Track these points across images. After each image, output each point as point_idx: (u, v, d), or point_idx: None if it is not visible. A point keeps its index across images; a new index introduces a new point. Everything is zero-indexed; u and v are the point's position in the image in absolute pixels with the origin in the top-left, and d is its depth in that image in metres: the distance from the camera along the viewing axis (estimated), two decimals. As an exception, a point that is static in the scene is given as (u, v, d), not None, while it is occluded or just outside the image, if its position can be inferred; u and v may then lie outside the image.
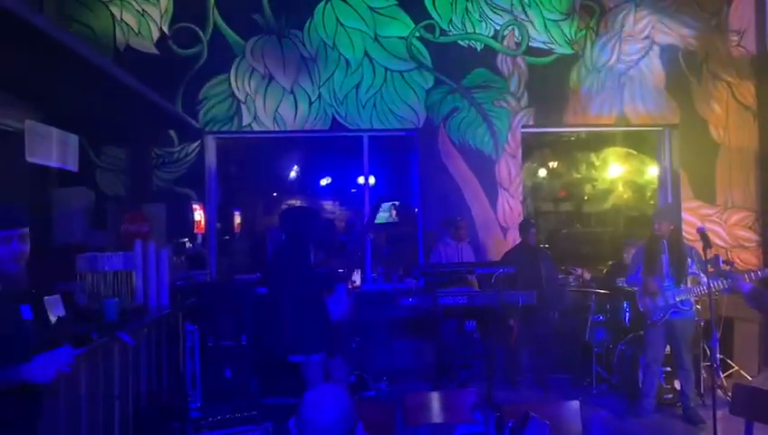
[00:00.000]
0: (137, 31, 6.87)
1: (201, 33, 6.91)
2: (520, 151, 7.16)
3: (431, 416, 3.23)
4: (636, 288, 5.57)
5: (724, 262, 5.59)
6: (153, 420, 4.81)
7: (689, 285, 5.28)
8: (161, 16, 6.89)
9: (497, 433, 2.23)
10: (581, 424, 3.13)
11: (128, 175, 6.80)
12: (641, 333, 5.65)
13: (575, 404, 3.17)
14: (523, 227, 6.46)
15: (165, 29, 6.88)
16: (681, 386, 5.41)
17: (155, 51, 6.87)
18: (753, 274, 4.38)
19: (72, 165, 5.38)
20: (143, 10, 6.87)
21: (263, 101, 6.96)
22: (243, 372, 6.03)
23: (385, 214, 9.34)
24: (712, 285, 4.76)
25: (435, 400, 3.27)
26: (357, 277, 6.93)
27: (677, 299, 5.25)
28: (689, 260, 5.30)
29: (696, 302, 5.60)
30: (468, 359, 6.07)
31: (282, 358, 4.59)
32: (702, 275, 5.21)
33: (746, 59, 7.20)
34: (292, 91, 6.98)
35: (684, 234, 7.03)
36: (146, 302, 5.40)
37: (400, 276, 7.11)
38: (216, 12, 6.92)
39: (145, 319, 5.11)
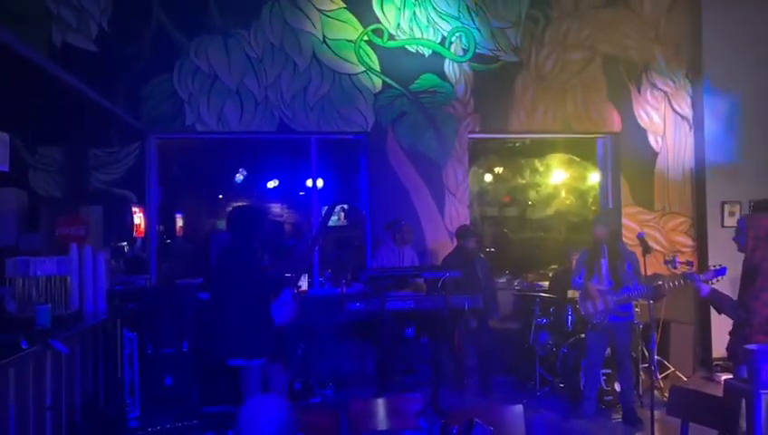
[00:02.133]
0: (75, 27, 6.61)
1: (143, 30, 6.70)
2: (466, 157, 7.23)
3: (376, 422, 3.19)
4: (579, 292, 5.69)
5: (682, 263, 5.72)
6: (88, 431, 4.62)
7: (627, 290, 5.40)
8: (101, 12, 6.66)
9: (442, 440, 2.21)
10: (525, 427, 3.16)
11: (63, 175, 6.53)
12: (583, 336, 5.77)
13: (519, 408, 3.19)
14: (462, 233, 6.48)
15: (105, 26, 6.65)
16: (621, 388, 5.54)
17: (94, 48, 6.63)
18: (705, 274, 4.53)
19: (3, 164, 5.12)
20: (81, 5, 6.62)
21: (207, 102, 6.81)
22: (184, 380, 5.85)
23: (334, 217, 9.27)
24: (668, 285, 4.90)
25: (380, 406, 3.24)
26: (304, 282, 6.85)
27: (616, 303, 5.37)
28: (627, 265, 5.44)
29: (636, 305, 5.76)
30: (413, 364, 6.07)
31: (222, 362, 4.48)
32: (636, 279, 5.34)
33: (682, 70, 7.46)
34: (237, 92, 6.85)
35: (624, 239, 7.23)
36: (81, 308, 5.18)
37: (348, 281, 7.06)
38: (159, 9, 6.73)
39: (80, 326, 4.90)
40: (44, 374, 4.11)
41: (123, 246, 6.30)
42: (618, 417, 5.58)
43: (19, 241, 5.65)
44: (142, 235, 6.69)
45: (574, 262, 5.99)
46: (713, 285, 4.37)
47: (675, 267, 5.27)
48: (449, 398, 5.72)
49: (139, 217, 6.57)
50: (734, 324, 4.35)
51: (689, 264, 6.55)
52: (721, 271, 4.47)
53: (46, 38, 6.52)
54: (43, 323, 4.37)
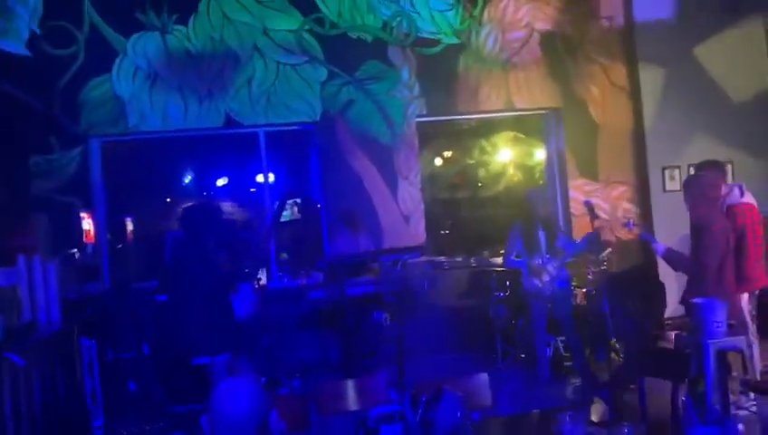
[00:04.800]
0: (4, 30, 6.37)
1: (77, 31, 6.51)
2: (416, 140, 7.31)
3: (346, 404, 3.24)
4: (520, 269, 5.80)
5: (637, 225, 5.81)
6: (52, 442, 4.53)
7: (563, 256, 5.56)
8: (30, 14, 6.43)
9: (413, 409, 2.27)
10: (491, 395, 3.26)
11: (2, 185, 6.31)
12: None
13: (484, 376, 3.29)
14: None
15: (35, 28, 6.43)
16: (572, 352, 5.72)
17: (26, 52, 6.41)
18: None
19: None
20: (9, 8, 6.38)
21: (149, 101, 6.68)
22: (147, 384, 5.79)
23: (287, 212, 9.23)
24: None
25: (348, 388, 3.28)
26: (262, 276, 6.82)
27: (557, 269, 5.51)
28: (559, 234, 5.60)
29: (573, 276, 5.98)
30: (375, 345, 6.14)
31: (186, 362, 4.45)
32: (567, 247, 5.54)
33: (616, 42, 7.68)
34: (180, 89, 6.74)
35: (571, 210, 7.47)
36: (34, 319, 5.05)
37: (306, 272, 7.06)
38: (91, 9, 6.55)
39: (35, 337, 4.78)
40: (2, 387, 4.01)
41: (73, 254, 6.14)
42: (577, 381, 5.77)
43: (-39, 256, 5.45)
44: (93, 241, 6.54)
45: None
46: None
47: (631, 229, 5.43)
48: (414, 375, 5.80)
49: (87, 224, 6.42)
50: (688, 281, 4.59)
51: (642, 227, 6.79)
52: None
53: (-26, 44, 6.27)
54: (-5, 336, 4.25)
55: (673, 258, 4.58)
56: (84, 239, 6.37)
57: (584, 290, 6.49)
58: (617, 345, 6.41)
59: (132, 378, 5.74)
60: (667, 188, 7.39)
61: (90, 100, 6.55)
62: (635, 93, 7.64)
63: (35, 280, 5.13)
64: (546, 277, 5.53)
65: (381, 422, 2.30)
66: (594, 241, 5.27)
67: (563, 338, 5.89)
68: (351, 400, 3.21)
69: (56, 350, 5.12)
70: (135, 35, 6.64)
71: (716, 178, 4.75)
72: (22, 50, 6.40)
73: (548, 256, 5.55)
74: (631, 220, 5.24)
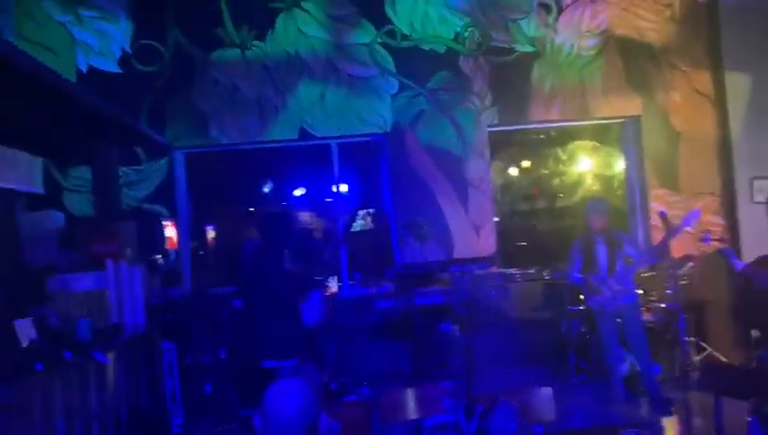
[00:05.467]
0: (98, 51, 6.83)
1: (163, 49, 6.90)
2: (487, 150, 7.25)
3: (407, 413, 3.26)
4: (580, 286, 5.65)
5: (714, 239, 5.51)
6: (134, 438, 4.78)
7: (626, 270, 5.35)
8: (122, 35, 6.87)
9: (467, 419, 2.27)
10: (555, 410, 3.20)
11: (95, 195, 6.74)
12: (619, 321, 5.72)
13: (548, 390, 3.23)
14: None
15: (126, 47, 6.86)
16: (641, 370, 5.50)
17: (117, 69, 6.84)
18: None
19: (37, 187, 5.34)
20: (103, 30, 6.84)
21: (229, 114, 6.97)
22: (222, 387, 6.00)
23: (360, 222, 9.37)
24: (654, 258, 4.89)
25: (409, 397, 3.30)
26: (333, 284, 6.95)
27: (619, 284, 5.32)
28: (624, 245, 5.39)
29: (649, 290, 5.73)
30: (445, 356, 6.11)
31: (255, 365, 4.59)
32: (637, 254, 5.32)
33: (700, 48, 7.36)
34: (258, 102, 6.99)
35: (652, 222, 7.19)
36: (120, 320, 5.36)
37: (377, 281, 7.13)
38: (176, 28, 6.92)
39: (120, 338, 5.08)
40: (89, 384, 4.28)
41: (158, 260, 6.47)
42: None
43: (58, 260, 5.87)
44: (175, 247, 6.87)
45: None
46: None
47: (708, 244, 5.17)
48: (482, 387, 5.74)
49: (171, 231, 6.75)
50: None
51: (722, 241, 6.45)
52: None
53: (72, 63, 6.75)
54: (83, 335, 4.55)
55: (751, 274, 4.34)
56: (168, 246, 6.69)
57: (663, 305, 6.23)
58: (697, 365, 6.11)
59: (209, 380, 5.96)
60: (756, 199, 6.98)
61: (174, 113, 6.91)
62: (720, 100, 7.28)
63: (122, 284, 5.46)
64: (607, 292, 5.36)
65: (436, 431, 2.30)
66: (661, 251, 5.06)
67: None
68: (411, 409, 3.22)
69: (139, 351, 5.42)
70: (216, 51, 6.95)
71: None
72: (114, 68, 6.84)
73: (606, 271, 5.37)
74: (708, 234, 4.96)
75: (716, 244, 5.54)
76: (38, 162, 5.36)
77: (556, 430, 3.25)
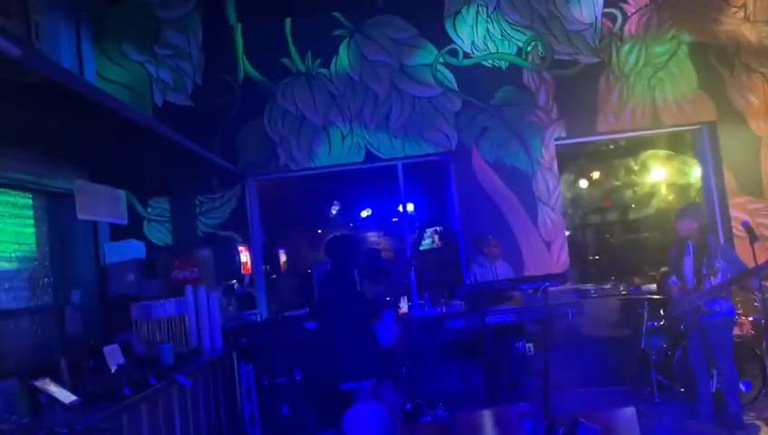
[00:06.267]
0: (172, 86, 7.17)
1: (233, 81, 7.17)
2: (555, 164, 7.14)
3: (484, 434, 3.21)
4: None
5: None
6: (216, 460, 4.90)
7: (718, 286, 5.10)
8: (194, 70, 7.19)
9: (547, 442, 2.22)
10: (639, 431, 3.08)
11: (174, 224, 7.04)
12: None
13: (630, 410, 3.12)
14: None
15: (198, 81, 7.17)
16: (723, 389, 5.22)
17: (190, 103, 7.15)
18: None
19: (122, 219, 5.63)
20: (177, 66, 7.18)
21: (297, 141, 7.15)
22: (299, 408, 6.09)
23: (428, 240, 9.38)
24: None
25: (486, 418, 3.26)
26: (404, 304, 6.96)
27: (701, 299, 5.10)
28: (719, 259, 5.14)
29: (735, 303, 5.45)
30: (520, 377, 6.00)
31: (333, 387, 4.64)
32: (728, 271, 5.06)
33: (779, 48, 7.04)
34: (324, 128, 7.15)
35: (734, 231, 6.86)
36: (200, 344, 5.55)
37: (447, 300, 7.10)
38: (245, 59, 7.18)
39: (200, 361, 5.25)
40: (173, 407, 4.44)
41: (233, 285, 6.67)
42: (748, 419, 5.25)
43: (140, 288, 6.14)
44: (249, 272, 7.07)
45: None
46: None
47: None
48: (560, 408, 5.60)
49: (245, 256, 6.95)
50: None
51: None
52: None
53: (148, 99, 7.11)
54: (167, 360, 4.74)
55: None
56: (242, 271, 6.89)
57: (750, 319, 5.92)
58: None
59: (285, 402, 6.06)
60: None
61: (245, 142, 7.14)
62: (804, 100, 6.92)
63: (201, 309, 5.66)
64: (686, 305, 5.15)
65: (516, 454, 2.26)
66: (738, 282, 4.85)
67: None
68: (489, 430, 3.18)
69: (219, 374, 5.58)
70: (283, 81, 7.16)
71: None
72: (187, 102, 7.16)
73: (693, 282, 5.16)
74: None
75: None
76: (121, 195, 5.65)
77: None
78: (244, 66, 7.19)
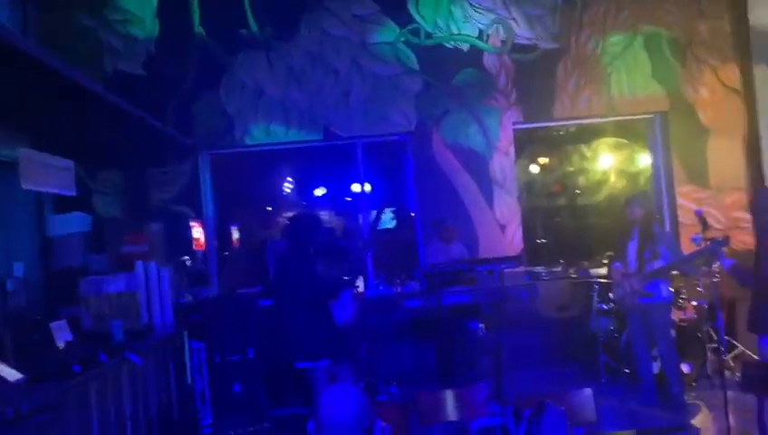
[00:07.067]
0: (124, 54, 6.88)
1: (188, 51, 6.93)
2: (512, 148, 7.21)
3: (446, 414, 3.24)
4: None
5: (705, 240, 5.33)
6: (166, 438, 4.81)
7: (657, 270, 5.29)
8: (147, 38, 6.91)
9: (516, 423, 2.25)
10: (595, 411, 3.16)
11: (124, 197, 6.80)
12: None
13: (588, 391, 3.19)
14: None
15: (152, 49, 6.90)
16: (665, 371, 5.43)
17: (143, 72, 6.88)
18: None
19: (69, 190, 5.39)
20: (129, 33, 6.89)
21: (254, 115, 6.99)
22: (251, 386, 6.02)
23: (386, 220, 9.37)
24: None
25: (448, 398, 3.28)
26: (360, 284, 6.95)
27: (641, 283, 5.28)
28: (661, 246, 5.33)
29: (680, 288, 5.67)
30: (473, 356, 6.09)
31: (288, 366, 4.60)
32: (671, 257, 5.25)
33: (729, 42, 7.25)
34: (282, 104, 7.00)
35: (680, 219, 7.10)
36: (150, 321, 5.40)
37: (402, 280, 7.12)
38: (201, 29, 6.94)
39: (151, 339, 5.11)
40: (122, 385, 4.31)
41: (185, 261, 6.51)
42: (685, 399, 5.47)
43: (87, 262, 5.92)
44: (202, 248, 6.91)
45: None
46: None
47: (697, 244, 5.06)
48: (512, 388, 5.71)
49: (197, 232, 6.79)
50: (752, 296, 4.42)
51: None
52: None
53: (99, 66, 6.80)
54: (117, 337, 4.59)
55: (737, 274, 4.38)
56: (194, 247, 6.73)
57: (694, 303, 6.15)
58: (731, 363, 6.04)
59: (238, 380, 5.99)
60: (788, 194, 6.85)
61: (200, 115, 6.94)
62: (749, 95, 7.16)
63: (152, 285, 5.49)
64: (627, 287, 5.35)
65: (483, 435, 2.28)
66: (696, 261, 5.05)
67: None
68: (451, 410, 3.20)
69: (169, 352, 5.46)
70: (240, 53, 6.96)
71: None
72: (139, 70, 6.88)
73: (634, 267, 5.34)
74: (696, 235, 4.75)
75: (705, 244, 5.23)
76: (69, 165, 5.40)
77: (596, 432, 3.22)
78: (201, 36, 6.95)
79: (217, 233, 7.55)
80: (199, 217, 6.95)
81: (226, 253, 8.74)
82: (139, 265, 5.48)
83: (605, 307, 6.34)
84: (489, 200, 7.10)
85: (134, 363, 4.41)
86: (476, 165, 7.10)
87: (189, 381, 5.81)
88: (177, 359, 5.62)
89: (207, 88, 6.94)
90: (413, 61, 7.09)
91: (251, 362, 6.06)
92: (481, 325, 6.43)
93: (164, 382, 5.24)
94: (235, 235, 9.82)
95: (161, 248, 6.25)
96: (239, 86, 6.97)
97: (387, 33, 7.08)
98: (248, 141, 7.02)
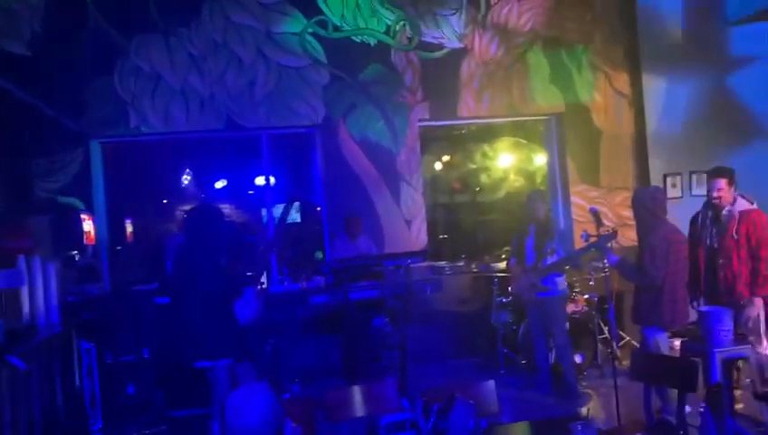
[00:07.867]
0: (4, 30, 6.33)
1: (79, 31, 6.48)
2: (418, 145, 7.29)
3: (353, 410, 3.20)
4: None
5: (591, 235, 5.61)
6: (51, 446, 4.49)
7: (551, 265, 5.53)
8: (32, 14, 6.39)
9: (425, 417, 2.25)
10: (498, 402, 3.24)
11: (4, 187, 6.27)
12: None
13: (491, 383, 3.27)
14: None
15: (37, 27, 6.39)
16: (559, 362, 5.69)
17: (27, 52, 6.37)
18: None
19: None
20: (10, 7, 6.34)
21: (151, 102, 6.65)
22: (146, 387, 5.75)
23: (291, 215, 9.22)
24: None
25: (356, 394, 3.25)
26: (264, 279, 6.78)
27: (538, 277, 5.53)
28: (556, 241, 5.60)
29: (573, 282, 5.98)
30: (378, 351, 6.11)
31: (187, 366, 4.40)
32: (559, 252, 5.54)
33: (619, 49, 7.67)
34: (182, 91, 6.71)
35: (574, 217, 7.45)
36: (34, 321, 5.01)
37: (307, 275, 7.02)
38: (94, 9, 6.51)
39: (35, 339, 4.75)
40: (2, 390, 3.97)
41: (74, 256, 6.09)
42: (580, 388, 5.74)
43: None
44: (93, 242, 6.49)
45: None
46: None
47: (585, 240, 5.36)
48: (417, 381, 5.77)
49: (88, 225, 6.37)
50: (635, 289, 4.76)
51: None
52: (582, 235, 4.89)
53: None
54: (-4, 338, 4.22)
55: (622, 268, 4.71)
56: (85, 241, 6.31)
57: (585, 296, 6.47)
58: (618, 353, 6.39)
59: (131, 381, 5.69)
60: (669, 195, 7.35)
61: (92, 100, 6.51)
62: (637, 101, 7.63)
63: (35, 282, 5.10)
64: (524, 281, 5.58)
65: (393, 430, 2.27)
66: (568, 262, 5.44)
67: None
68: (359, 406, 3.17)
69: (55, 352, 5.09)
70: (137, 36, 6.60)
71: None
72: (23, 50, 6.36)
73: (532, 262, 5.57)
74: (585, 232, 5.09)
75: (593, 239, 5.53)
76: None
77: (498, 423, 3.29)
78: (94, 16, 6.51)
79: (110, 226, 7.12)
80: (90, 209, 6.51)
81: (119, 247, 8.30)
82: (20, 260, 5.07)
83: (504, 301, 6.54)
84: (395, 195, 7.14)
85: (16, 367, 4.07)
86: (383, 160, 7.11)
87: (78, 383, 5.46)
88: (64, 361, 5.27)
89: (100, 72, 6.52)
90: (320, 53, 6.99)
91: (146, 361, 5.79)
92: (386, 320, 6.47)
93: (49, 386, 4.88)
94: (129, 228, 9.34)
95: (47, 243, 5.81)
96: (135, 70, 6.60)
97: (293, 24, 6.95)
98: (144, 130, 6.66)
